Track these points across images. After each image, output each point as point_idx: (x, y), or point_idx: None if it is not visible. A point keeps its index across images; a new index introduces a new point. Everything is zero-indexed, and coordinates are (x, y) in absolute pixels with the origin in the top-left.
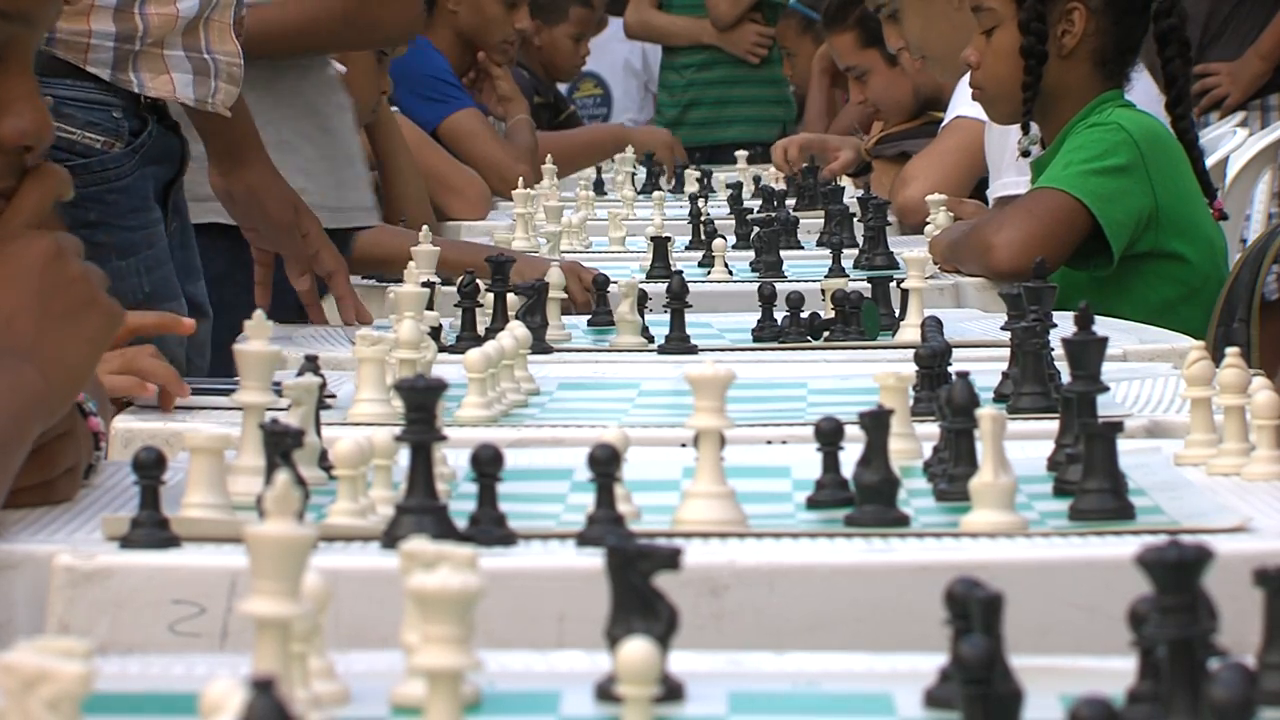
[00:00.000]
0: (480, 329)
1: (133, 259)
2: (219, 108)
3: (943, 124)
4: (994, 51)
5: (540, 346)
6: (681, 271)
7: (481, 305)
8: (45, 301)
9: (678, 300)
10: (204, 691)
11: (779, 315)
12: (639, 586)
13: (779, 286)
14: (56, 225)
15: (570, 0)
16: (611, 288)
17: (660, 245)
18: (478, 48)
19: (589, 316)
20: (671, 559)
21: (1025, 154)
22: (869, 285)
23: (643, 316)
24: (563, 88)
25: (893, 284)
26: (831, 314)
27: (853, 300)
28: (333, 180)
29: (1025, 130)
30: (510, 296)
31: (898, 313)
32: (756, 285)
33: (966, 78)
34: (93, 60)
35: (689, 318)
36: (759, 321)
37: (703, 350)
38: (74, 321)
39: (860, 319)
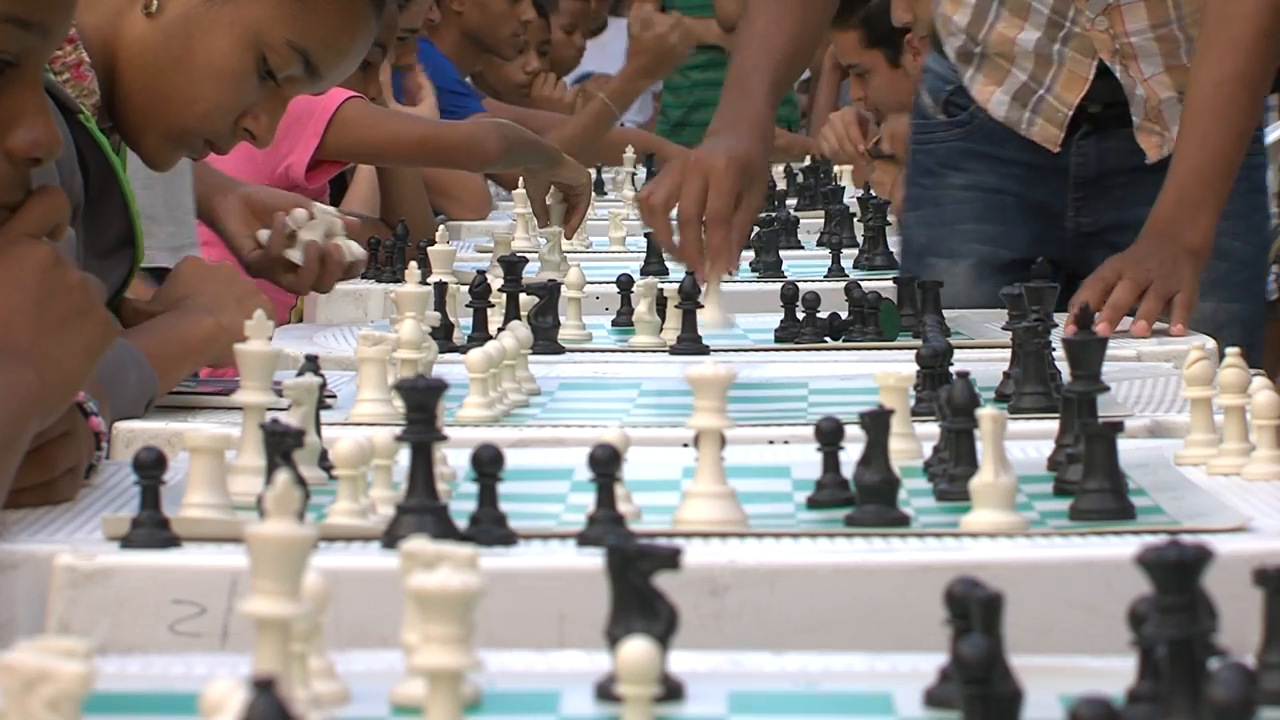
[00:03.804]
0: (493, 329)
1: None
2: None
3: None
4: None
5: (551, 346)
6: (693, 272)
7: (493, 305)
8: (43, 307)
9: (689, 300)
10: (204, 691)
11: (800, 316)
12: (639, 586)
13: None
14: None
15: None
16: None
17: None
18: (484, 45)
19: (613, 317)
20: (672, 559)
21: None
22: (893, 285)
23: (662, 317)
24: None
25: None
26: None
27: (870, 300)
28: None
29: None
30: (523, 297)
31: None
32: (756, 284)
33: None
34: (947, 43)
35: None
36: (781, 322)
37: (714, 351)
38: (71, 328)
39: (878, 320)
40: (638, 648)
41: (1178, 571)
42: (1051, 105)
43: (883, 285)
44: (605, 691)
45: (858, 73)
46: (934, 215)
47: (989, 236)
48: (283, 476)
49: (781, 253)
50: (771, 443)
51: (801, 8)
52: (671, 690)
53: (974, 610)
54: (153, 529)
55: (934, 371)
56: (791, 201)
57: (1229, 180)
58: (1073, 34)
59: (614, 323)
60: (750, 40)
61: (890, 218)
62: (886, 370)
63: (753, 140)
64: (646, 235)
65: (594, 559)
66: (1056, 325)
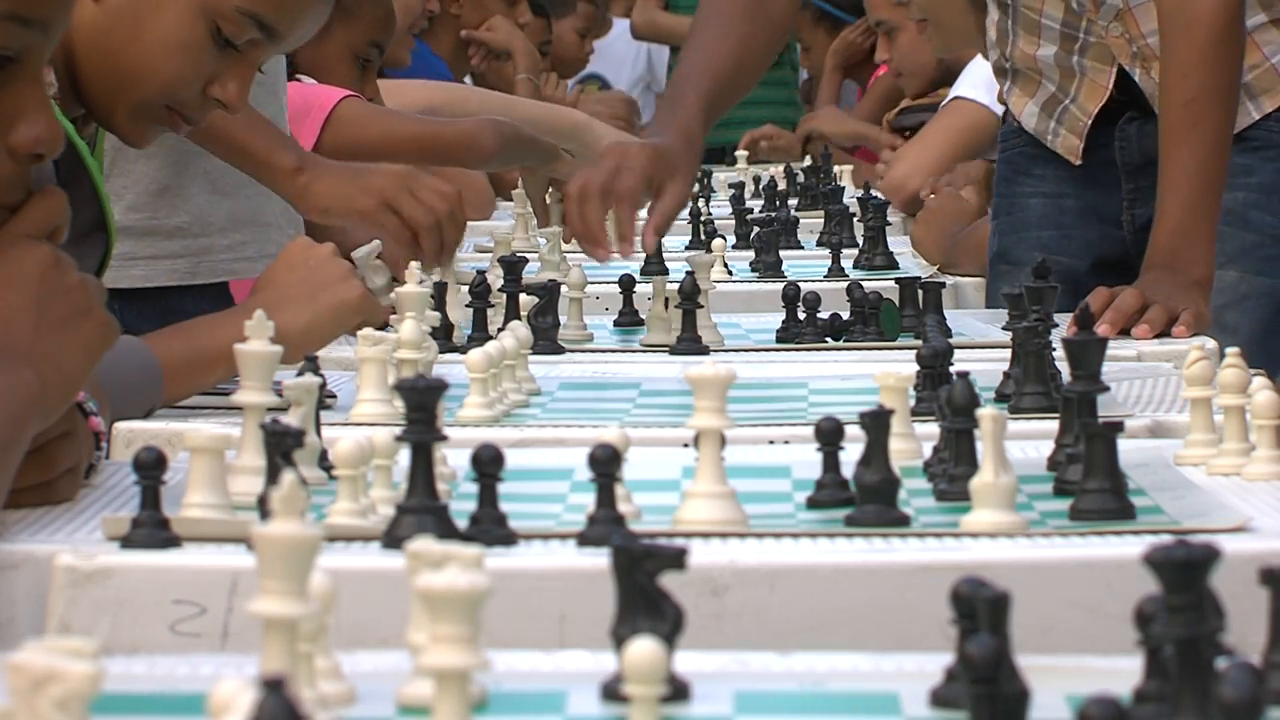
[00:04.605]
0: (493, 329)
1: None
2: None
3: (942, 104)
4: None
5: (551, 346)
6: (693, 272)
7: (493, 305)
8: (43, 307)
9: (690, 300)
10: (213, 691)
11: (802, 316)
12: (645, 586)
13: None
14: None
15: None
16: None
17: None
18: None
19: (614, 317)
20: (678, 559)
21: None
22: (895, 286)
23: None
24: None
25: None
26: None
27: (871, 301)
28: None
29: None
30: (523, 297)
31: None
32: (756, 284)
33: (974, 62)
34: (990, 56)
35: (718, 318)
36: (783, 322)
37: (714, 351)
38: (71, 329)
39: (879, 320)
40: (644, 647)
41: (1185, 571)
42: (1074, 115)
43: (883, 285)
44: (612, 691)
45: (885, 30)
46: (1006, 223)
47: (1045, 243)
48: (289, 476)
49: (781, 253)
50: (772, 443)
51: (750, 22)
52: (678, 690)
53: (981, 610)
54: (153, 529)
55: (934, 371)
56: (792, 201)
57: (1218, 194)
58: (1089, 44)
59: (616, 323)
60: (691, 52)
61: (890, 218)
62: (886, 370)
63: (676, 140)
64: None
65: (594, 559)
66: (1057, 325)
